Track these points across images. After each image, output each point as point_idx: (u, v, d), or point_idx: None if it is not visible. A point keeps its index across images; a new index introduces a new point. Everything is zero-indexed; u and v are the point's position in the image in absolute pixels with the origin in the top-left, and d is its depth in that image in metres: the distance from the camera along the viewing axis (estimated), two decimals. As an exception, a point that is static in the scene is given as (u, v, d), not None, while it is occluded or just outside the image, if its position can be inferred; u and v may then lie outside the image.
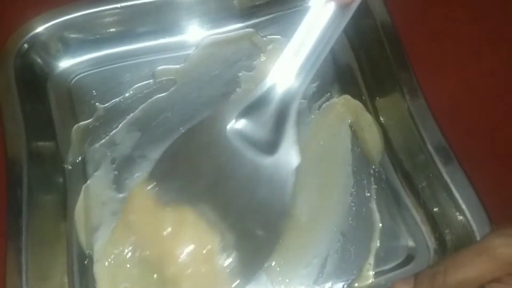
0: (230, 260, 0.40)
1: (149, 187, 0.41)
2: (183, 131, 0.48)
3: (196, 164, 0.42)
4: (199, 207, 0.41)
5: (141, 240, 0.41)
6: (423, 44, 0.54)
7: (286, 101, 0.40)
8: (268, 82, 0.40)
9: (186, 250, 0.40)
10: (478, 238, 0.41)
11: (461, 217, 0.42)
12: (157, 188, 0.41)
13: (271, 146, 0.40)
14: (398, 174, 0.48)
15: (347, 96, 0.51)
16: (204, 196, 0.41)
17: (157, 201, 0.41)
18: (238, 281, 0.39)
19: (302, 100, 0.50)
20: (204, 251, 0.40)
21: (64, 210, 0.45)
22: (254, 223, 0.40)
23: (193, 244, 0.40)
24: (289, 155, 0.40)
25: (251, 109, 0.41)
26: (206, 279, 0.40)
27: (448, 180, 0.43)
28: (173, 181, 0.42)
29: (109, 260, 0.42)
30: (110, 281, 0.42)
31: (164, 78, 0.51)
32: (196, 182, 0.41)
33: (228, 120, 0.41)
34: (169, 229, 0.40)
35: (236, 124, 0.41)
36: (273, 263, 0.43)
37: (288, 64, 0.40)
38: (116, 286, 0.41)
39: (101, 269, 0.42)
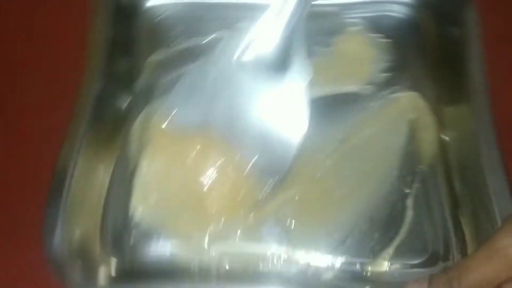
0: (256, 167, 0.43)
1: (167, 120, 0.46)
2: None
3: (210, 93, 0.45)
4: (219, 129, 0.44)
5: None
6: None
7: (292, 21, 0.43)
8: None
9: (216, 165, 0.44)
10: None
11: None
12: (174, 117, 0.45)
13: (281, 65, 0.43)
14: (445, 181, 0.47)
15: (417, 94, 0.51)
16: (223, 119, 0.44)
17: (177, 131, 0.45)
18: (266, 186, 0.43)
19: (368, 86, 0.51)
20: (232, 164, 0.43)
21: (123, 126, 0.49)
22: (273, 136, 0.43)
23: (221, 158, 0.44)
24: (300, 72, 0.42)
25: (257, 37, 0.44)
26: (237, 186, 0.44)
27: (493, 199, 0.42)
28: (190, 108, 0.45)
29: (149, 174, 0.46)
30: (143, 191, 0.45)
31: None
32: (213, 108, 0.44)
33: (234, 50, 0.44)
34: (196, 151, 0.44)
35: (244, 53, 0.44)
36: (294, 224, 0.44)
37: None
38: (146, 196, 0.45)
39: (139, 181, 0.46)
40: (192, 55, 0.52)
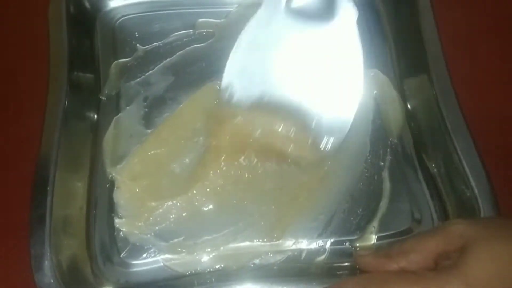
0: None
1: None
2: (214, 80, 0.50)
3: (268, 53, 0.46)
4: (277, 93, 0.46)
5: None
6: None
7: None
8: None
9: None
10: (482, 215, 0.42)
11: (469, 194, 0.43)
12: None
13: (327, 10, 0.44)
14: (415, 149, 0.49)
15: (376, 70, 0.52)
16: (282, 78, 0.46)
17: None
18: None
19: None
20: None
21: (95, 137, 0.48)
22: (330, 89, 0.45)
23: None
24: (346, 12, 0.44)
25: None
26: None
27: (462, 158, 0.44)
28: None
29: (129, 187, 0.45)
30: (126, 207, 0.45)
31: (204, 30, 0.54)
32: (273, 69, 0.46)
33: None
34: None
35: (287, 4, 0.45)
36: (278, 215, 0.45)
37: None
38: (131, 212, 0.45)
39: (120, 194, 0.45)
40: (157, 55, 0.52)
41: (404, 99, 0.51)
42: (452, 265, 0.33)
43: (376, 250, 0.40)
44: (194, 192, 0.44)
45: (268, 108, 0.46)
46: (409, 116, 0.51)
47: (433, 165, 0.47)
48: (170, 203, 0.44)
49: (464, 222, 0.36)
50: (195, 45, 0.53)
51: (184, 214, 0.44)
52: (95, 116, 0.49)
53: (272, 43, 0.46)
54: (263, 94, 0.46)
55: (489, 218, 0.41)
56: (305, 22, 0.45)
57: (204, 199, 0.45)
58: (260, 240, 0.44)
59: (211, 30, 0.54)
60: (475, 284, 0.32)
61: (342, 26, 0.44)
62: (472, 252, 0.33)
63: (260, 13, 0.46)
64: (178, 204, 0.44)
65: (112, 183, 0.46)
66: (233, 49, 0.46)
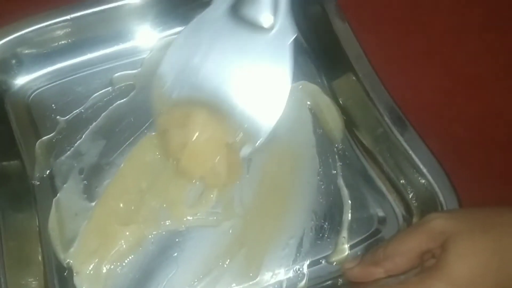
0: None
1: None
2: (147, 133, 0.49)
3: (204, 50, 0.46)
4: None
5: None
6: (413, 35, 0.56)
7: None
8: None
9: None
10: (441, 199, 0.43)
11: (423, 181, 0.44)
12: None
13: (268, 23, 0.45)
14: (361, 149, 0.50)
15: (304, 82, 0.53)
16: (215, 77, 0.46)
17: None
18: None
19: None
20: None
21: (37, 225, 0.45)
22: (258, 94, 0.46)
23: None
24: (285, 29, 0.45)
25: None
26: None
27: (407, 148, 0.45)
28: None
29: (89, 269, 0.43)
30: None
31: (123, 84, 0.52)
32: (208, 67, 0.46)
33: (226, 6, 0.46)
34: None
35: (233, 9, 0.46)
36: (248, 253, 0.44)
37: None
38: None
39: (81, 279, 0.43)
40: (81, 122, 0.49)
41: (337, 102, 0.52)
42: (434, 266, 0.33)
43: (362, 259, 0.40)
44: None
45: (199, 101, 0.46)
46: (347, 118, 0.51)
47: (383, 161, 0.48)
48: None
49: (442, 217, 0.36)
50: (118, 102, 0.50)
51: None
52: (33, 203, 0.46)
53: (211, 43, 0.46)
54: (194, 88, 0.46)
55: (468, 209, 0.41)
56: (246, 29, 0.45)
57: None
58: (239, 284, 0.43)
59: (131, 82, 0.52)
60: (459, 282, 0.32)
61: (278, 41, 0.45)
62: (453, 249, 0.33)
63: (205, 13, 0.46)
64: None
65: (70, 269, 0.43)
66: (172, 43, 0.48)
